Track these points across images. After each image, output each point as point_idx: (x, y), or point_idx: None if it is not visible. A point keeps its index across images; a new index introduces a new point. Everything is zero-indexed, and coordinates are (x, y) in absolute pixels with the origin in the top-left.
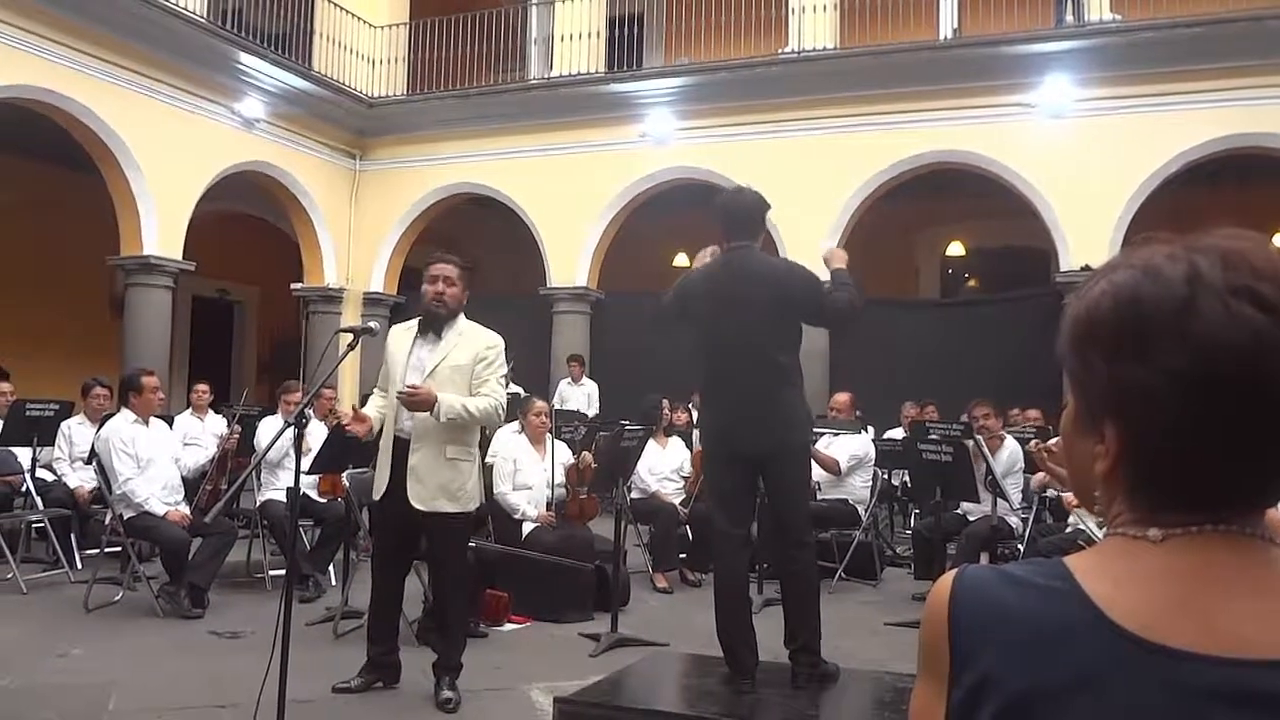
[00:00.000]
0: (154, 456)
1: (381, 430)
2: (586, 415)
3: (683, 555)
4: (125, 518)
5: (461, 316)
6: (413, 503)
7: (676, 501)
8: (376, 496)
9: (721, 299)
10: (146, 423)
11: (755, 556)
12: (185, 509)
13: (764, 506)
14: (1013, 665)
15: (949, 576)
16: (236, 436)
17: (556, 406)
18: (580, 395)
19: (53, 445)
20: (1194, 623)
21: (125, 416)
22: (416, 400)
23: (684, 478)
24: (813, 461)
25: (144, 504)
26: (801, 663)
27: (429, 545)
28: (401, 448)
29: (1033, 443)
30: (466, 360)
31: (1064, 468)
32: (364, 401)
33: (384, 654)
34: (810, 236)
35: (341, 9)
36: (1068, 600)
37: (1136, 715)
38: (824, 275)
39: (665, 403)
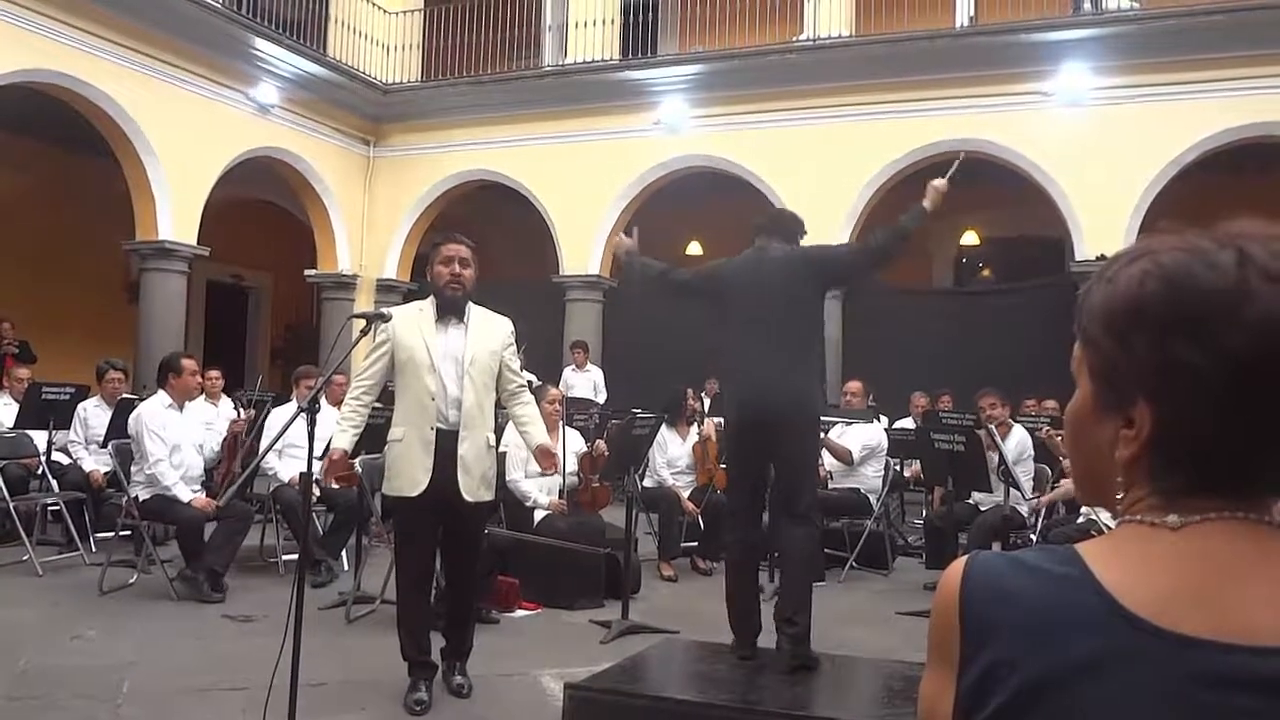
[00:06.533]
0: (181, 443)
1: (382, 423)
2: (596, 403)
3: (694, 543)
4: (141, 499)
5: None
6: (464, 495)
7: (685, 494)
8: (415, 492)
9: (747, 284)
10: (181, 407)
11: (766, 542)
12: (203, 495)
13: (773, 488)
14: (1023, 652)
15: (960, 562)
16: (246, 421)
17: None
18: (585, 382)
19: (68, 428)
20: (1208, 610)
21: (161, 400)
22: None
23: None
24: (825, 450)
25: (171, 488)
26: (787, 634)
27: (455, 534)
28: (445, 439)
29: (1044, 429)
30: (498, 345)
31: (1070, 454)
32: None
33: (429, 652)
34: (823, 224)
35: None
36: (1079, 586)
37: (1149, 702)
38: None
39: (689, 392)
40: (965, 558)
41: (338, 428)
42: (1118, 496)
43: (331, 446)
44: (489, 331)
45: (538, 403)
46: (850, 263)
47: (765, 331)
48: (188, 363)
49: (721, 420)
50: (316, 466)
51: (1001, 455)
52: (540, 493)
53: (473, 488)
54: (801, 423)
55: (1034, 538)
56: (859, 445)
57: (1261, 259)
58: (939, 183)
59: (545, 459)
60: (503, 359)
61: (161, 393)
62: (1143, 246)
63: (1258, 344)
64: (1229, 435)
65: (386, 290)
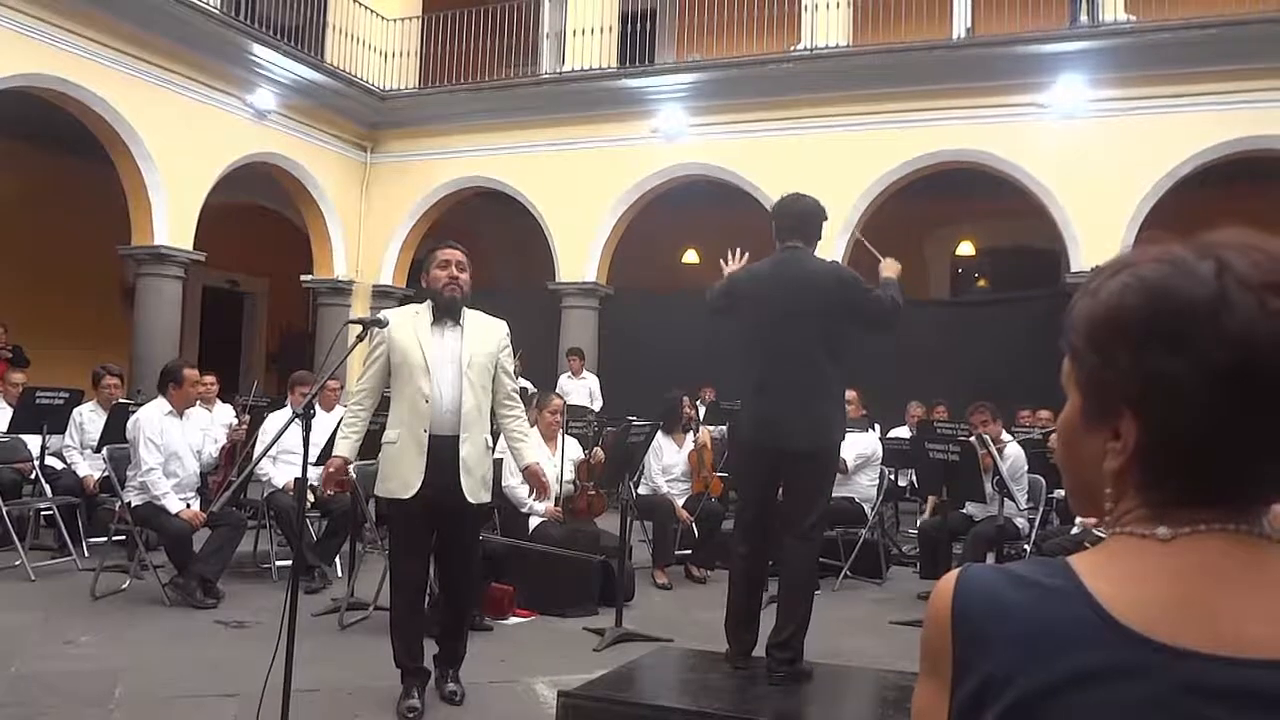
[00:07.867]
0: (178, 451)
1: (378, 425)
2: (592, 410)
3: (688, 551)
4: (133, 505)
5: None
6: (467, 496)
7: (679, 502)
8: (407, 494)
9: (771, 301)
10: (180, 415)
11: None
12: (196, 506)
13: (781, 505)
14: (1016, 665)
15: (951, 576)
16: (245, 427)
17: None
18: (581, 389)
19: (62, 433)
20: (1198, 622)
21: (160, 406)
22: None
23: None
24: None
25: (161, 497)
26: (777, 658)
27: (452, 538)
28: (438, 442)
29: (1053, 438)
30: (494, 348)
31: (1062, 466)
32: None
33: (421, 658)
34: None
35: (355, 1)
36: (1071, 599)
37: (1140, 714)
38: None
39: (685, 399)
40: (957, 571)
41: (339, 434)
42: (1108, 508)
43: (333, 454)
44: (485, 334)
45: (540, 410)
46: (863, 319)
47: (795, 353)
48: (190, 373)
49: (725, 432)
50: (312, 473)
51: (997, 467)
52: (536, 499)
53: (475, 489)
54: (818, 455)
55: (1028, 548)
56: (853, 455)
57: (1241, 269)
58: (888, 261)
59: (534, 482)
60: (498, 361)
61: (161, 399)
62: (1125, 259)
63: (1238, 353)
64: (1214, 446)
65: (382, 296)
